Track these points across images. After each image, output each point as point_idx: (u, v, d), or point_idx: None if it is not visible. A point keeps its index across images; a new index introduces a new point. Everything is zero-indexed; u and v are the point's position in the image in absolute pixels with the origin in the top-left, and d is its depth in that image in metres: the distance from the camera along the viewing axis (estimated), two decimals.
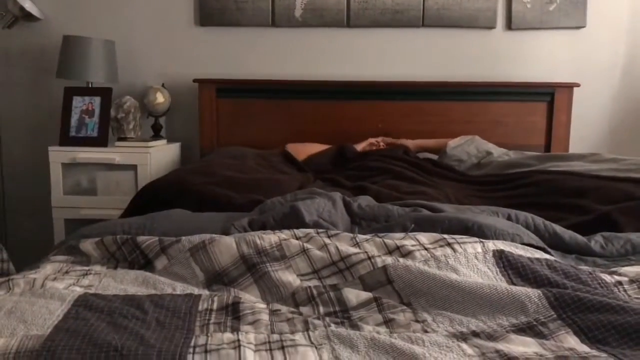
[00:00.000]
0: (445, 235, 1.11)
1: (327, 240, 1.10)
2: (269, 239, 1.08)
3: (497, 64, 2.81)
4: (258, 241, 1.08)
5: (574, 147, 2.73)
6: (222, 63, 2.85)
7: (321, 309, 0.94)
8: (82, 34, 2.66)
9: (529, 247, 1.13)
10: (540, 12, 2.74)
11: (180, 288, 1.00)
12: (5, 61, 2.84)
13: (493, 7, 2.75)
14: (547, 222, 1.30)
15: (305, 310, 0.95)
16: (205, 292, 0.99)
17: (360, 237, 1.13)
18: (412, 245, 1.08)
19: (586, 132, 2.80)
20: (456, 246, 1.06)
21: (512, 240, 1.16)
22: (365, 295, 0.96)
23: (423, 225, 1.23)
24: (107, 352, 0.73)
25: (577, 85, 2.68)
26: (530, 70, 2.79)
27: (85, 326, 0.80)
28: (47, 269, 1.08)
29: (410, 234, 1.15)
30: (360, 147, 2.53)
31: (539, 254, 1.09)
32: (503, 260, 1.03)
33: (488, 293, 0.92)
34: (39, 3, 2.78)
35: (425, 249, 1.06)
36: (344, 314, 0.92)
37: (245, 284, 1.02)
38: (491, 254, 1.05)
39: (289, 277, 1.02)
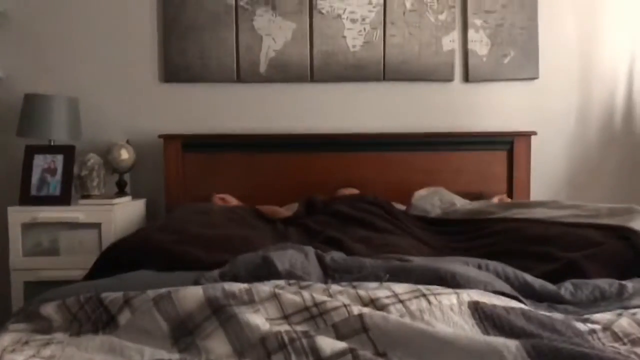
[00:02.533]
0: (420, 286, 1.10)
1: (300, 290, 1.09)
2: (238, 285, 1.06)
3: (457, 115, 2.89)
4: (226, 286, 1.05)
5: (535, 194, 2.81)
6: (187, 118, 2.85)
7: (294, 359, 0.91)
8: (45, 91, 2.64)
9: (502, 296, 1.14)
10: (496, 65, 2.86)
11: (148, 354, 0.96)
12: None
13: (450, 61, 2.85)
14: (517, 271, 1.32)
15: (277, 359, 0.92)
16: (174, 357, 0.95)
17: (334, 287, 1.12)
18: (387, 297, 1.07)
19: (545, 178, 2.89)
20: (431, 298, 1.06)
21: (485, 289, 1.17)
22: (340, 345, 0.93)
23: (397, 276, 1.22)
24: None
25: (534, 133, 2.78)
26: (488, 120, 2.89)
27: None
28: (5, 339, 1.01)
29: (384, 284, 1.14)
30: None
31: (513, 303, 1.10)
32: (479, 312, 1.03)
33: (466, 344, 0.91)
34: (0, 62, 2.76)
35: (400, 301, 1.05)
36: None
37: (211, 329, 0.98)
38: (466, 305, 1.05)
39: (257, 321, 0.98)
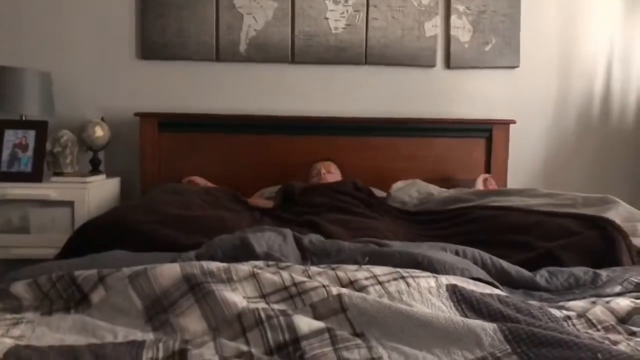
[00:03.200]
0: (399, 269, 1.10)
1: (279, 271, 1.08)
2: (216, 264, 1.04)
3: (438, 101, 2.89)
4: (205, 265, 1.03)
5: (512, 181, 2.83)
6: (164, 97, 2.79)
7: (270, 336, 0.89)
8: (16, 64, 2.55)
9: (479, 282, 1.14)
10: (477, 52, 2.86)
11: (122, 333, 0.94)
12: None
13: (433, 47, 2.84)
14: (494, 258, 1.32)
15: (252, 336, 0.90)
16: (149, 336, 0.93)
17: (313, 269, 1.11)
18: (366, 279, 1.06)
19: (523, 166, 2.91)
20: (410, 280, 1.06)
21: (462, 275, 1.17)
22: (317, 324, 0.92)
23: (375, 260, 1.22)
24: None
25: (513, 122, 2.80)
26: (469, 107, 2.89)
27: None
28: None
29: (363, 266, 1.13)
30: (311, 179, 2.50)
31: (489, 290, 1.10)
32: (457, 295, 1.03)
33: (444, 324, 0.91)
34: None
35: (380, 282, 1.05)
36: (295, 347, 0.88)
37: (186, 305, 0.97)
38: (444, 287, 1.05)
39: (235, 298, 0.96)
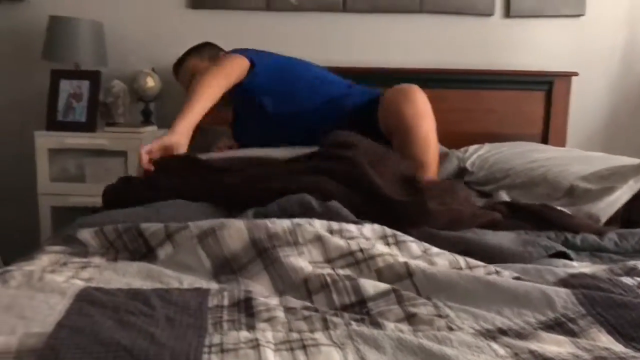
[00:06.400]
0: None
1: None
2: (281, 223, 1.03)
3: (495, 52, 2.77)
4: (270, 226, 1.02)
5: (572, 137, 2.72)
6: None
7: (335, 298, 0.89)
8: (69, 14, 2.56)
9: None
10: (540, 0, 2.70)
11: (187, 281, 0.95)
12: None
13: None
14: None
15: (318, 299, 0.90)
16: (213, 286, 0.94)
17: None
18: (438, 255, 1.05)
19: (584, 121, 2.78)
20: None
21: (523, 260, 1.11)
22: (383, 286, 0.91)
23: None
24: (115, 352, 0.67)
25: (576, 74, 2.66)
26: (528, 58, 2.76)
27: (90, 323, 0.74)
28: (44, 260, 1.01)
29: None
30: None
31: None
32: None
33: (514, 287, 0.88)
34: None
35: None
36: (361, 307, 0.87)
37: (255, 271, 0.97)
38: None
39: (301, 264, 0.97)
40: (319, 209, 1.19)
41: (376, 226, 1.13)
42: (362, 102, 1.98)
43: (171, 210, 1.22)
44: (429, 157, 1.71)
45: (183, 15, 2.77)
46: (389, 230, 1.11)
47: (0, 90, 2.77)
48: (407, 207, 1.24)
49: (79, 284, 0.89)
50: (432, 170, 1.71)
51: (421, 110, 1.70)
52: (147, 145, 1.53)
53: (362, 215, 1.21)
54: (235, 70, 1.82)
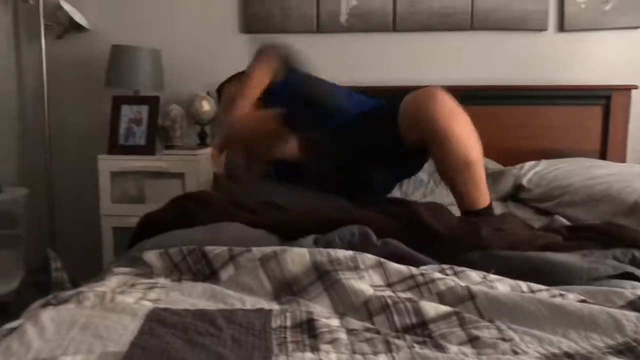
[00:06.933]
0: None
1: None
2: (343, 252, 1.05)
3: (549, 67, 2.72)
4: (332, 252, 1.04)
5: (632, 151, 2.63)
6: None
7: (396, 320, 0.89)
8: (129, 43, 2.68)
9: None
10: (595, 13, 2.64)
11: (250, 302, 0.97)
12: (56, 71, 2.88)
13: (544, 9, 2.67)
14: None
15: (379, 320, 0.90)
16: (275, 307, 0.96)
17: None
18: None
19: None
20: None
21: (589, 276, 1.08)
22: (444, 308, 0.91)
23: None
24: None
25: (635, 87, 2.58)
26: (583, 73, 2.69)
27: (161, 343, 0.77)
28: (113, 281, 1.05)
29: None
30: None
31: None
32: None
33: (580, 311, 0.86)
34: (87, 14, 2.82)
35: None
36: (423, 329, 0.87)
37: (315, 293, 0.99)
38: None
39: (362, 286, 0.97)
40: (378, 242, 1.20)
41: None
42: (367, 109, 1.94)
43: (228, 234, 1.25)
44: (475, 154, 1.61)
45: (236, 40, 2.85)
46: (445, 265, 1.10)
47: (67, 117, 2.92)
48: (461, 238, 1.23)
49: (148, 304, 0.92)
50: (479, 167, 1.63)
51: (453, 108, 1.64)
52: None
53: (418, 252, 1.21)
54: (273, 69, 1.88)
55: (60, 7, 2.73)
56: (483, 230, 1.25)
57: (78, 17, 2.76)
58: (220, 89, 2.35)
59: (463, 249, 1.20)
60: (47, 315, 0.86)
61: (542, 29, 2.69)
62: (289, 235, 1.29)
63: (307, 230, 1.28)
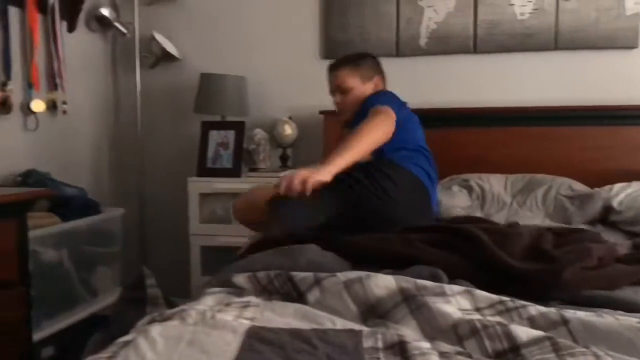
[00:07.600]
0: None
1: None
2: (429, 282, 1.07)
3: (637, 86, 2.61)
4: (418, 280, 1.06)
5: None
6: None
7: (487, 344, 0.89)
8: (217, 71, 2.83)
9: None
10: None
11: (340, 323, 1.01)
12: (149, 98, 3.08)
13: (634, 26, 2.57)
14: None
15: (469, 345, 0.90)
16: (364, 328, 0.99)
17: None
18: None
19: None
20: None
21: None
22: (537, 332, 0.90)
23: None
24: None
25: None
26: None
27: (263, 359, 0.82)
28: (209, 300, 1.12)
29: None
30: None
31: None
32: None
33: None
34: (178, 44, 3.01)
35: None
36: (515, 354, 0.86)
37: (400, 315, 1.00)
38: None
39: (449, 309, 0.98)
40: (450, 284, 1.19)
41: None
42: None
43: (306, 257, 1.28)
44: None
45: (317, 65, 2.92)
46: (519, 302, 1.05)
47: (159, 142, 3.11)
48: (540, 277, 1.17)
49: (246, 322, 0.98)
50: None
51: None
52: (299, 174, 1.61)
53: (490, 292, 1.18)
54: (388, 134, 1.90)
55: (153, 38, 2.94)
56: (567, 271, 1.17)
57: (170, 47, 2.96)
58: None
59: (542, 290, 1.15)
60: (156, 331, 0.93)
61: (631, 46, 2.59)
62: (361, 261, 1.32)
63: (377, 260, 1.30)
